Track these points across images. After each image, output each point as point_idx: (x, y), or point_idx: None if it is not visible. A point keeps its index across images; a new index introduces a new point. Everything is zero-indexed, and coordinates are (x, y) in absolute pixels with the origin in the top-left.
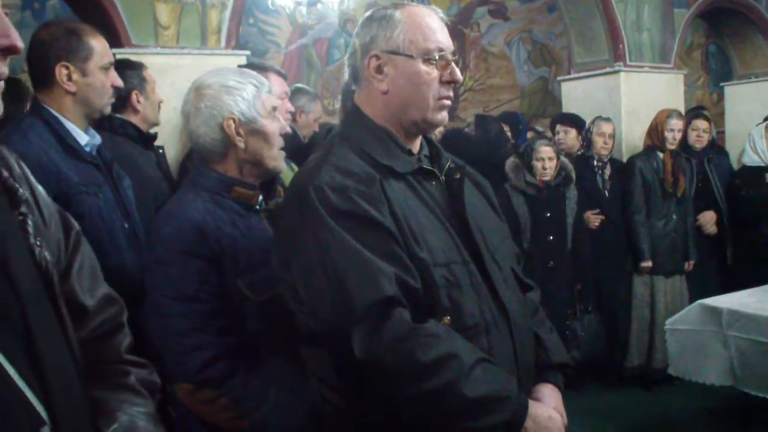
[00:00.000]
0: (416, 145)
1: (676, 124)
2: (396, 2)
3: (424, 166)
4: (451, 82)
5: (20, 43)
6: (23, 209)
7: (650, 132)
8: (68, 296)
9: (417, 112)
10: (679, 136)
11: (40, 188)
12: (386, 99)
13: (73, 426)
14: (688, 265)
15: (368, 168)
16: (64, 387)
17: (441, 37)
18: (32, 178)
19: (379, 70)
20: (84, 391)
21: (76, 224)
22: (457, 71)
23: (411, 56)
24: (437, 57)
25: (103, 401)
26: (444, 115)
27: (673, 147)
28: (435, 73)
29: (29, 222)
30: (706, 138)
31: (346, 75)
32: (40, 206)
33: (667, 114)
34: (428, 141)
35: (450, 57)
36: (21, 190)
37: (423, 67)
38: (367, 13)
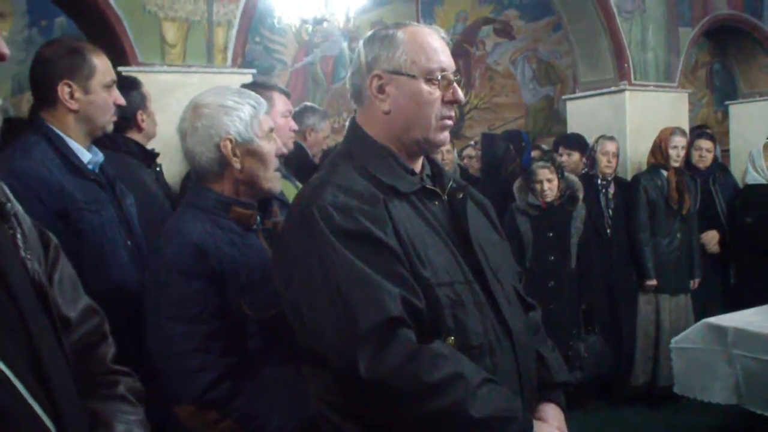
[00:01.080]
0: (418, 165)
1: (680, 141)
2: (399, 22)
3: (427, 185)
4: (453, 102)
5: (6, 50)
6: (12, 223)
7: (654, 150)
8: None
9: (419, 132)
10: (683, 153)
11: (18, 205)
12: (388, 119)
13: None
14: (694, 284)
15: (371, 187)
16: (69, 399)
17: (443, 57)
18: (11, 195)
19: (381, 90)
20: (82, 402)
21: (54, 238)
22: (459, 91)
23: (413, 76)
24: (439, 77)
25: (98, 412)
26: (446, 135)
27: (677, 164)
28: (437, 92)
29: (18, 236)
30: (709, 158)
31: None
32: (20, 222)
33: (671, 131)
34: (430, 161)
35: (452, 77)
36: (9, 204)
37: (425, 87)
38: (369, 33)
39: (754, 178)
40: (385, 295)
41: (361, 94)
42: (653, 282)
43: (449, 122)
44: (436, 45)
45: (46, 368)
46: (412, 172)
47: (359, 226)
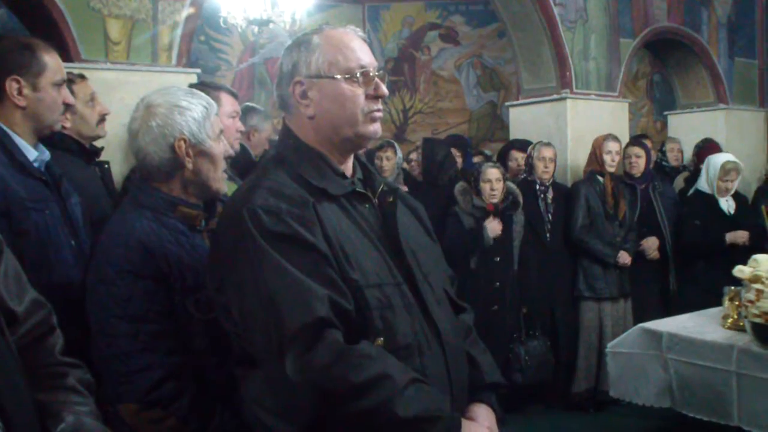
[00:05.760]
0: (349, 168)
1: (613, 146)
2: (316, 28)
3: (358, 188)
4: (377, 97)
5: None
6: None
7: (590, 158)
8: None
9: (348, 129)
10: (617, 158)
11: None
12: (315, 123)
13: (25, 426)
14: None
15: (302, 191)
16: (14, 393)
17: (361, 55)
18: None
19: (304, 95)
20: (29, 392)
21: None
22: (382, 86)
23: (333, 77)
24: (359, 74)
25: (47, 403)
26: (376, 127)
27: (612, 169)
28: (359, 90)
29: None
30: (641, 163)
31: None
32: None
33: (603, 138)
34: (362, 164)
35: (373, 72)
36: None
37: (346, 87)
38: (288, 42)
39: (703, 187)
40: (312, 296)
41: (287, 102)
42: (625, 257)
43: (378, 114)
44: (352, 44)
45: None
46: (343, 176)
47: (288, 228)
